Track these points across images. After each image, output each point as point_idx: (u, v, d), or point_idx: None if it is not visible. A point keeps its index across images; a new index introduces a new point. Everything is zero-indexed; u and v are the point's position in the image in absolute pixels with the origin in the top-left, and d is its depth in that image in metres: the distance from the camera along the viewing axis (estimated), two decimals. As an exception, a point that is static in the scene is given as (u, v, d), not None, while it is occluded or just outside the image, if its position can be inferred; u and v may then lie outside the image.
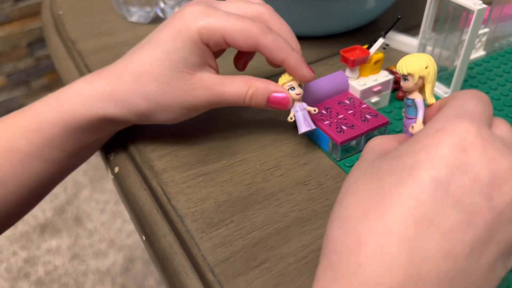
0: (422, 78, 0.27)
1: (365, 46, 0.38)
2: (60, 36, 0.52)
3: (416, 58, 0.27)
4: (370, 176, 0.21)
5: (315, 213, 0.30)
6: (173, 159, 0.34)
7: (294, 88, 0.33)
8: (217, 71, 0.34)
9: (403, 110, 0.30)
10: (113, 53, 0.47)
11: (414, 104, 0.28)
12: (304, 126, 0.32)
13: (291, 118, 0.33)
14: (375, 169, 0.22)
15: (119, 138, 0.37)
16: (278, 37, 0.31)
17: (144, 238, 0.31)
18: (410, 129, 0.28)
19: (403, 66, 0.27)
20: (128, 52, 0.33)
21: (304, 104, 0.33)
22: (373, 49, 0.37)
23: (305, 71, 0.32)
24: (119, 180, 0.35)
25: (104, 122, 0.32)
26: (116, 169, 0.35)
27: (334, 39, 0.50)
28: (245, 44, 0.31)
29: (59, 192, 1.45)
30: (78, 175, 1.50)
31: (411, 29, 0.50)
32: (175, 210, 0.30)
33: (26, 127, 0.31)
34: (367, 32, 0.51)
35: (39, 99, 0.33)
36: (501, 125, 0.22)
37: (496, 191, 0.19)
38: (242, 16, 0.31)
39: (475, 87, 0.43)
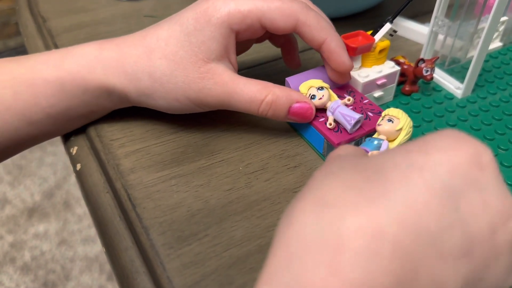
0: (400, 130, 0.27)
1: (369, 32, 0.34)
2: (31, 11, 0.47)
3: (405, 114, 0.28)
4: (365, 166, 0.17)
5: (304, 228, 0.26)
6: (144, 157, 0.30)
7: (314, 96, 0.29)
8: (236, 70, 0.29)
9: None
10: (86, 32, 0.42)
11: (379, 145, 0.26)
12: (348, 124, 0.28)
13: (330, 124, 0.29)
14: (373, 161, 0.18)
15: (82, 128, 0.32)
16: (319, 15, 0.28)
17: (104, 250, 0.27)
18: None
19: (395, 110, 0.27)
20: (148, 27, 0.31)
21: (338, 101, 0.29)
22: (378, 36, 0.33)
23: (345, 57, 0.29)
24: (81, 179, 0.30)
25: (102, 91, 0.30)
26: (78, 166, 0.30)
27: (334, 23, 0.45)
28: (284, 24, 0.27)
29: (48, 176, 1.41)
30: (68, 157, 1.46)
31: (420, 15, 0.46)
32: (139, 220, 0.26)
33: (17, 77, 0.29)
34: (371, 16, 0.47)
35: (41, 53, 0.30)
36: None
37: (501, 224, 0.16)
38: None
39: (491, 82, 0.39)
